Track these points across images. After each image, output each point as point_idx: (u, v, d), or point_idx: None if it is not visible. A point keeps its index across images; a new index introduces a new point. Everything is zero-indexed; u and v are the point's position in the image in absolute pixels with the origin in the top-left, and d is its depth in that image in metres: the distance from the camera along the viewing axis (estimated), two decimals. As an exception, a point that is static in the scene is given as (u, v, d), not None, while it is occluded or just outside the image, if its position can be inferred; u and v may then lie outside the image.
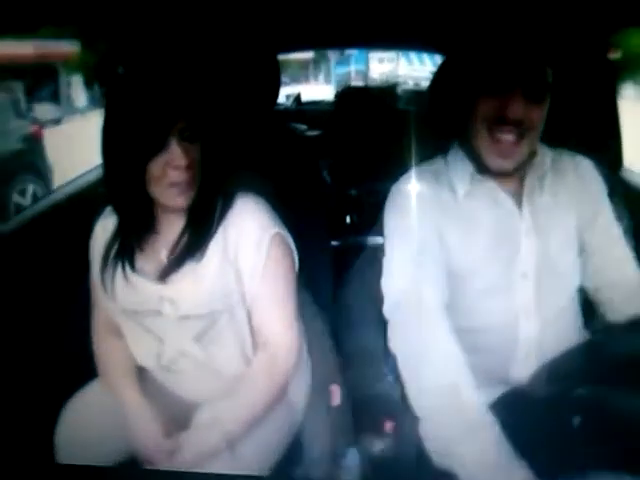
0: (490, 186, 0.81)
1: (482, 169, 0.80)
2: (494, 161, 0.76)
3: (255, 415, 0.74)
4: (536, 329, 0.81)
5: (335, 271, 1.10)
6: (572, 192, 0.84)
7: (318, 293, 0.95)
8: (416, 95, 2.63)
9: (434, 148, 0.94)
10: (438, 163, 0.88)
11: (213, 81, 0.94)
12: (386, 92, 2.59)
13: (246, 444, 0.75)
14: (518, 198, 0.81)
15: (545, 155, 0.83)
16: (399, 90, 2.66)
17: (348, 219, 1.90)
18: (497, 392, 0.83)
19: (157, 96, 0.66)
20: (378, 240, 0.97)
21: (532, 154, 0.80)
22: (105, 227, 0.78)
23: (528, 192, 0.82)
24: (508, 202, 0.81)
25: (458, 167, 0.83)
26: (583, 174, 0.85)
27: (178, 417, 0.81)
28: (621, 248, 0.85)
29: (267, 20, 1.42)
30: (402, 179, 0.87)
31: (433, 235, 0.81)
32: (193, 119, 0.68)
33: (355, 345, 0.83)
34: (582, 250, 0.85)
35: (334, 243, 1.43)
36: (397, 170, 1.13)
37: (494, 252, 0.81)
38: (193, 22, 1.23)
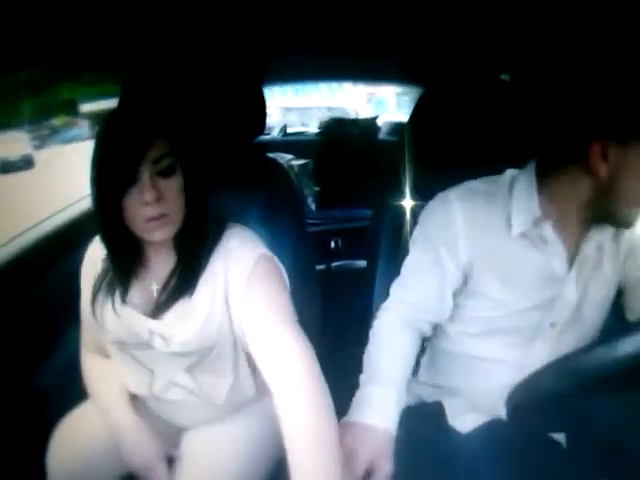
0: (547, 233, 0.75)
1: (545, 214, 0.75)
2: None
3: (334, 438, 0.60)
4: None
5: (321, 294, 1.13)
6: (623, 250, 0.81)
7: (304, 316, 0.97)
8: (395, 127, 2.74)
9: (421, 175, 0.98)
10: (498, 185, 0.80)
11: (193, 113, 0.94)
12: (367, 123, 2.69)
13: (234, 461, 0.76)
14: (572, 252, 0.78)
15: None
16: (379, 121, 2.76)
17: (332, 244, 1.94)
18: (481, 419, 0.84)
19: (127, 129, 0.64)
20: (361, 264, 1.01)
21: None
22: (96, 254, 0.78)
23: (584, 248, 0.77)
24: (560, 253, 0.77)
25: (523, 204, 0.75)
26: (632, 233, 0.80)
27: (168, 436, 0.82)
28: None
29: (252, 52, 1.49)
30: (455, 189, 0.80)
31: (454, 257, 0.78)
32: (168, 151, 0.66)
33: (343, 365, 0.84)
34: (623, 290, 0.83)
35: (319, 267, 1.46)
36: (378, 196, 1.18)
37: (528, 297, 0.79)
38: (177, 54, 1.28)
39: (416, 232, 0.86)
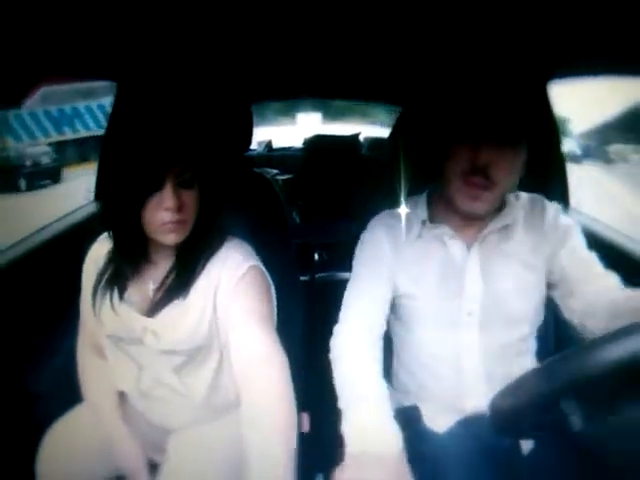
0: (440, 231, 0.88)
1: (435, 218, 0.89)
2: (465, 204, 0.80)
3: (293, 445, 0.65)
4: (480, 363, 0.87)
5: (305, 304, 1.17)
6: (541, 241, 0.87)
7: (288, 326, 1.01)
8: (377, 143, 2.82)
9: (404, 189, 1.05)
10: (411, 203, 0.95)
11: (205, 129, 1.00)
12: (349, 139, 2.76)
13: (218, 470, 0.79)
14: (470, 243, 0.88)
15: (514, 207, 0.87)
16: (361, 138, 2.84)
17: (317, 256, 1.98)
18: (454, 419, 0.87)
19: (155, 142, 0.69)
20: (344, 275, 1.06)
21: (501, 203, 0.87)
22: (99, 253, 0.82)
23: (483, 238, 0.87)
24: (456, 245, 0.88)
25: (417, 212, 0.91)
26: (555, 223, 0.88)
27: (155, 441, 0.85)
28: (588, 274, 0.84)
29: (242, 75, 1.55)
30: (376, 217, 0.96)
31: (383, 270, 0.90)
32: (189, 165, 0.72)
33: (325, 375, 0.87)
34: (554, 287, 0.88)
35: (303, 278, 1.50)
36: (360, 210, 1.24)
37: (439, 289, 0.88)
38: (184, 75, 1.34)
39: (353, 262, 0.95)
